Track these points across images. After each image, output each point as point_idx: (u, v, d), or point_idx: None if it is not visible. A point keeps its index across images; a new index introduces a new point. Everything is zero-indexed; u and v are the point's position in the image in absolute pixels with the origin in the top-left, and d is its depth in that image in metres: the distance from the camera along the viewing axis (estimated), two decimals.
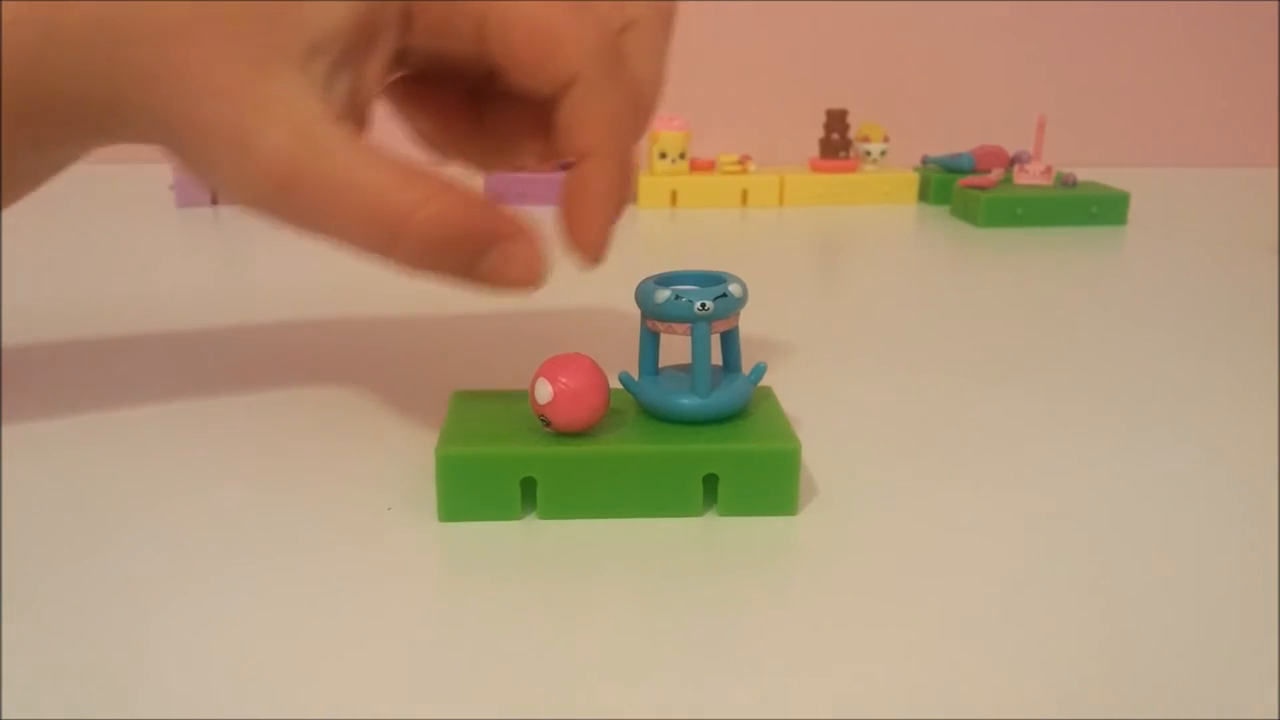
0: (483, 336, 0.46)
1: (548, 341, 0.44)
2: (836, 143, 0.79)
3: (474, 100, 0.34)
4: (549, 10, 0.28)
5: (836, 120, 0.79)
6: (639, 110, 0.31)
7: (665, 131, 0.75)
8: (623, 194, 0.30)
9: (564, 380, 0.28)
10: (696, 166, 0.77)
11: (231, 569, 0.27)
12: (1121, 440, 0.35)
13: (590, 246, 0.29)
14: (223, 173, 0.28)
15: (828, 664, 0.23)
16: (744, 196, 0.77)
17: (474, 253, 0.28)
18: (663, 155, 0.76)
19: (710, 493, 0.29)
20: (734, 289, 0.30)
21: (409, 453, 0.33)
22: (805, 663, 0.23)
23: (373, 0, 0.28)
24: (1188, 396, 0.39)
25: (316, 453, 0.33)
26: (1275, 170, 0.93)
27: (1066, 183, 0.72)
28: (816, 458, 0.33)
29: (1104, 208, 0.70)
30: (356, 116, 0.30)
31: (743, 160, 0.78)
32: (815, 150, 0.80)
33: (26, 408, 0.36)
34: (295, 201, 0.27)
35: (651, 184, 0.76)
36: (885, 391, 0.39)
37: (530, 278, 0.29)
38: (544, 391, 0.28)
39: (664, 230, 0.71)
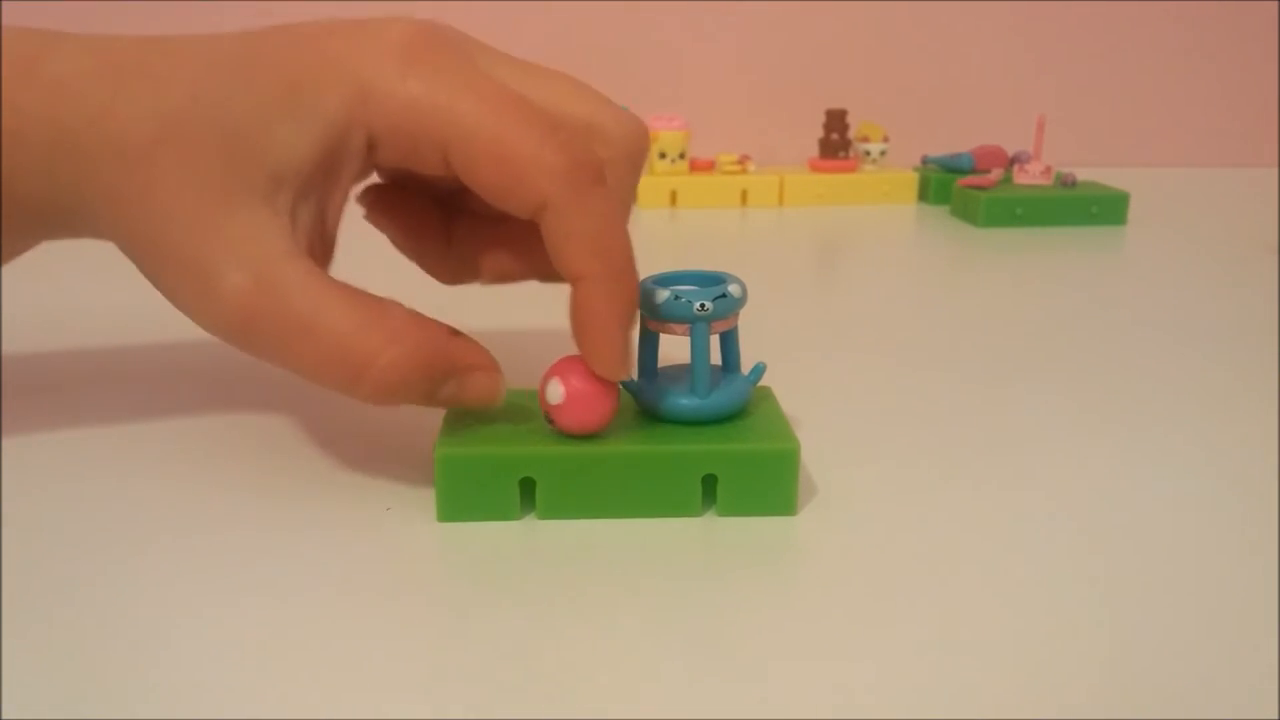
0: (482, 336, 0.45)
1: (547, 341, 0.44)
2: (836, 143, 0.79)
3: (445, 212, 0.34)
4: (513, 135, 0.27)
5: (836, 120, 0.79)
6: (623, 225, 0.29)
7: (665, 131, 0.75)
8: (627, 309, 0.28)
9: (576, 382, 0.28)
10: (696, 166, 0.77)
11: (230, 569, 0.27)
12: (1121, 440, 0.35)
13: (608, 367, 0.28)
14: (183, 301, 0.28)
15: (827, 664, 0.23)
16: (744, 196, 0.77)
17: (433, 386, 0.28)
18: (662, 155, 0.76)
19: (709, 493, 0.29)
20: (733, 289, 0.30)
21: (408, 453, 0.33)
22: (804, 663, 0.23)
23: (335, 134, 0.27)
24: (1188, 396, 0.39)
25: (316, 453, 0.33)
26: (1275, 170, 0.93)
27: (1066, 183, 0.71)
28: (816, 458, 0.33)
29: (1104, 208, 0.70)
30: (323, 242, 0.30)
31: (742, 160, 0.78)
32: (815, 150, 0.80)
33: (26, 413, 0.36)
34: (255, 340, 0.28)
35: (651, 184, 0.76)
36: (885, 392, 0.39)
37: (489, 400, 0.29)
38: (555, 392, 0.28)
39: (664, 230, 0.71)
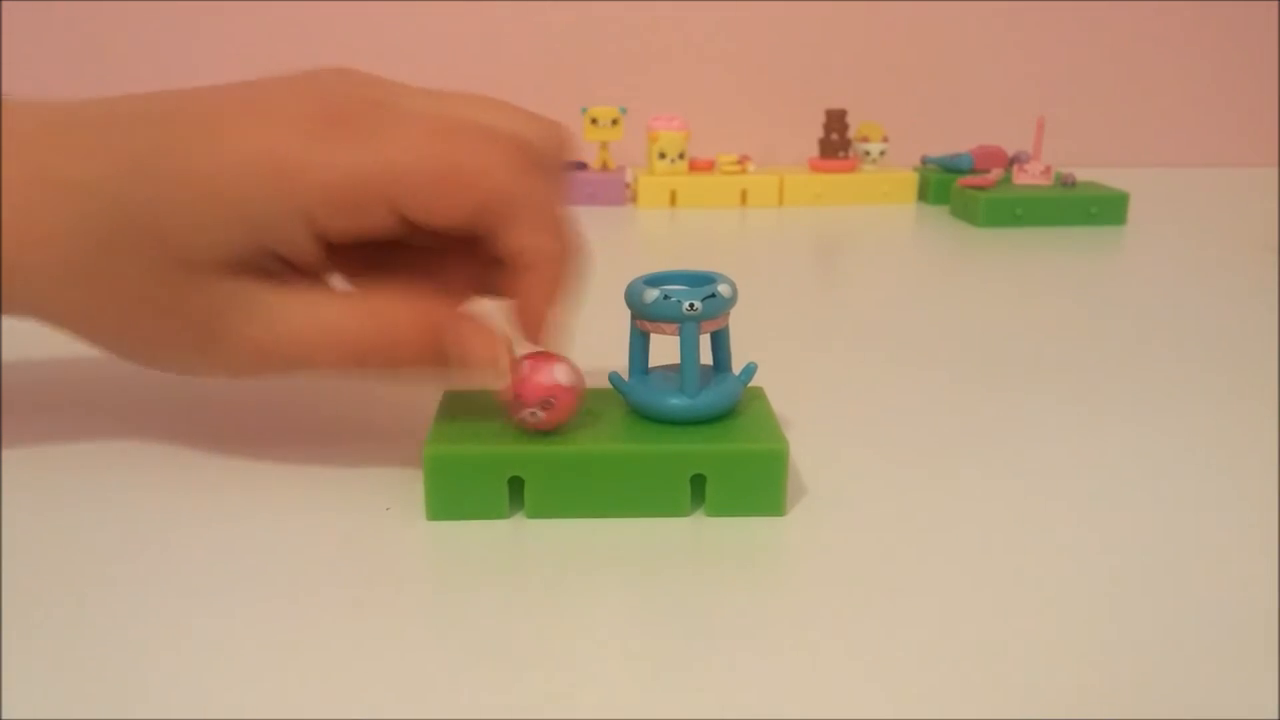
0: None
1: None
2: (836, 143, 0.79)
3: (420, 256, 0.33)
4: (455, 154, 0.28)
5: (836, 120, 0.79)
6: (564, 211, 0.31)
7: (665, 131, 0.75)
8: (563, 287, 0.30)
9: (571, 376, 0.29)
10: (696, 166, 0.77)
11: (221, 569, 0.27)
12: (1119, 440, 0.35)
13: (534, 337, 0.30)
14: (179, 365, 0.30)
15: (815, 664, 0.23)
16: (743, 196, 0.77)
17: (438, 354, 0.29)
18: (662, 155, 0.76)
19: (698, 493, 0.29)
20: (723, 289, 0.30)
21: (399, 452, 0.33)
22: (792, 663, 0.23)
23: (265, 230, 0.28)
24: (1187, 397, 0.39)
25: (306, 452, 0.33)
26: (1275, 170, 0.93)
27: (1066, 183, 0.71)
28: (807, 458, 0.32)
29: (1103, 208, 0.70)
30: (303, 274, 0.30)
31: (742, 160, 0.78)
32: (815, 150, 0.80)
33: (26, 416, 0.36)
34: (270, 370, 0.29)
35: (651, 184, 0.76)
36: (879, 392, 0.39)
37: (491, 353, 0.29)
38: (564, 374, 0.29)
39: (663, 230, 0.71)
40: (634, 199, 0.77)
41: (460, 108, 0.30)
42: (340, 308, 0.29)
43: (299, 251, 0.29)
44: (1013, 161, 0.76)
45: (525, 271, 0.29)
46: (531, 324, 0.29)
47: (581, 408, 0.29)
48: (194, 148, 0.28)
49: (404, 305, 0.29)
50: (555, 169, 0.32)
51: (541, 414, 0.29)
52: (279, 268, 0.29)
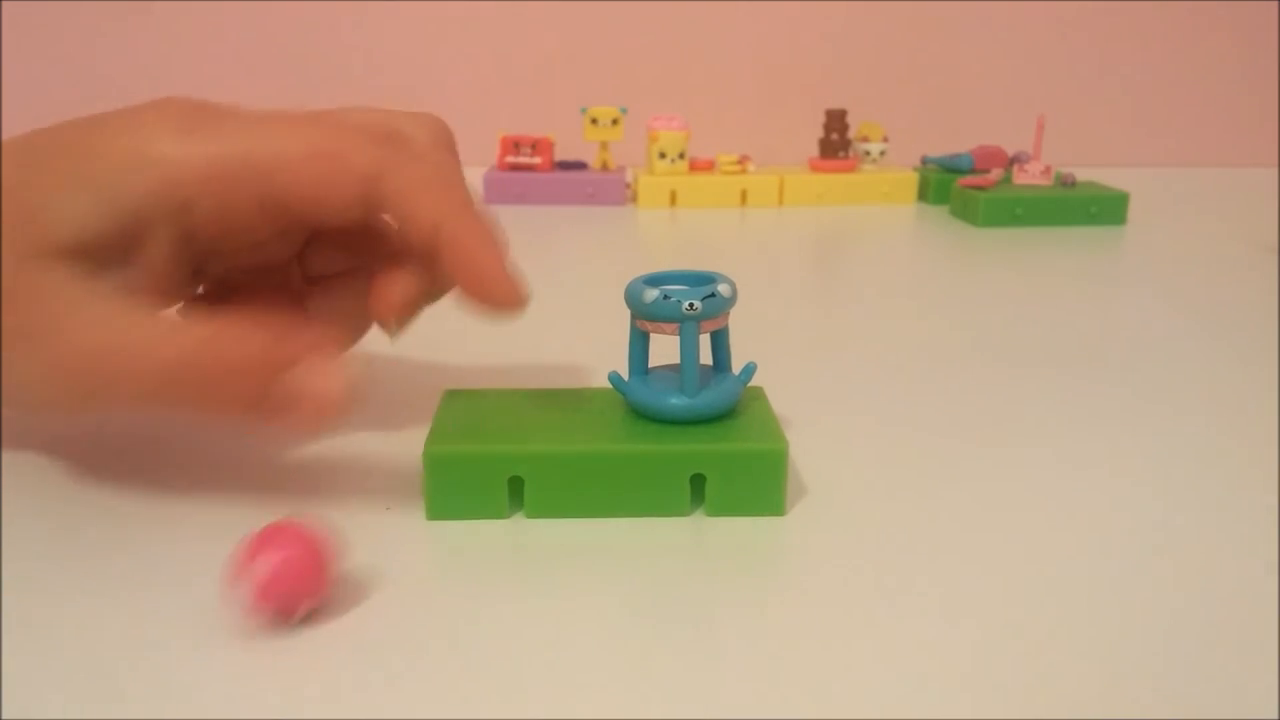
0: (474, 336, 0.46)
1: (539, 341, 0.44)
2: (836, 143, 0.79)
3: (306, 289, 0.34)
4: (321, 138, 0.28)
5: (836, 120, 0.79)
6: (457, 183, 0.30)
7: (665, 131, 0.75)
8: (493, 238, 0.29)
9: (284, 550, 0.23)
10: (696, 166, 0.77)
11: (218, 566, 0.27)
12: (1119, 440, 0.35)
13: (502, 294, 0.28)
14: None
15: (815, 664, 0.23)
16: (743, 196, 0.77)
17: (253, 388, 0.27)
18: (662, 155, 0.76)
19: (698, 492, 0.29)
20: (723, 289, 0.30)
21: (399, 451, 0.33)
22: (792, 663, 0.23)
23: (131, 207, 0.27)
24: (1188, 396, 0.39)
25: (306, 451, 0.33)
26: (1275, 170, 0.93)
27: (1066, 183, 0.71)
28: (807, 458, 0.32)
29: (1103, 208, 0.70)
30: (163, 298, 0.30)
31: (742, 160, 0.78)
32: (815, 150, 0.80)
33: (25, 419, 0.36)
34: (61, 401, 0.27)
35: (651, 184, 0.76)
36: (879, 392, 0.39)
37: (326, 404, 0.27)
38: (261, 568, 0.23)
39: (663, 230, 0.71)
40: (634, 199, 0.77)
41: (326, 114, 0.31)
42: (162, 329, 0.27)
43: (160, 252, 0.28)
44: (1013, 161, 0.76)
45: (449, 245, 0.28)
46: (486, 287, 0.28)
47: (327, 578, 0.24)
48: (74, 148, 0.28)
49: (239, 337, 0.27)
50: (442, 151, 0.32)
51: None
52: (137, 278, 0.28)
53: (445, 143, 0.32)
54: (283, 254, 0.33)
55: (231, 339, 0.27)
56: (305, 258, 0.34)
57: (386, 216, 0.30)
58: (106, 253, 0.27)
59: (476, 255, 0.28)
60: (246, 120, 0.29)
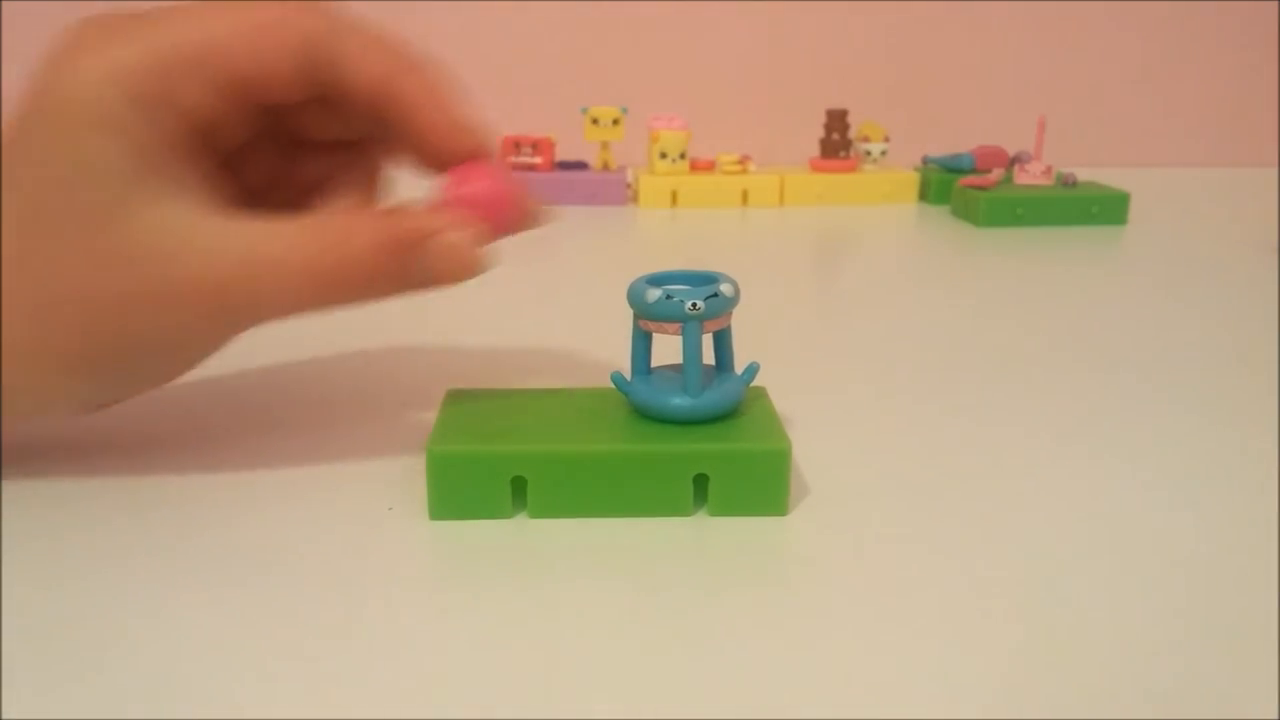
0: (477, 336, 0.46)
1: (542, 341, 0.44)
2: (837, 143, 0.79)
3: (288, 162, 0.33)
4: (246, 12, 0.28)
5: (836, 120, 0.79)
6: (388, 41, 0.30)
7: (665, 131, 0.75)
8: (447, 87, 0.29)
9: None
10: (697, 166, 0.77)
11: (222, 567, 0.27)
12: (1120, 441, 0.35)
13: (456, 139, 0.29)
14: (142, 322, 0.28)
15: (817, 664, 0.23)
16: (744, 196, 0.77)
17: (402, 264, 0.28)
18: (663, 155, 0.76)
19: (700, 493, 0.29)
20: (725, 289, 0.30)
21: (401, 451, 0.33)
22: (795, 663, 0.23)
23: (120, 125, 0.27)
24: (1187, 397, 0.39)
25: (309, 450, 0.33)
26: (1275, 170, 0.93)
27: (1066, 183, 0.71)
28: (809, 458, 0.33)
29: (1104, 208, 0.70)
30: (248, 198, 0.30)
31: (743, 160, 0.78)
32: (815, 150, 0.80)
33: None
34: (231, 306, 0.28)
35: (652, 184, 0.76)
36: (881, 392, 0.39)
37: (463, 261, 0.28)
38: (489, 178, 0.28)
39: (664, 230, 0.71)
40: (635, 199, 0.77)
41: None
42: (288, 226, 0.28)
43: (164, 142, 0.27)
44: (1014, 161, 0.76)
45: (399, 98, 0.28)
46: (440, 137, 0.29)
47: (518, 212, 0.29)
48: (35, 99, 0.27)
49: (359, 222, 0.28)
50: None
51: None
52: (210, 197, 0.28)
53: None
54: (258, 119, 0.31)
55: (366, 224, 0.28)
56: (301, 162, 0.33)
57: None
58: (153, 180, 0.27)
59: (425, 106, 0.29)
60: (172, 11, 0.28)
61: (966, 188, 0.71)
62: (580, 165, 0.78)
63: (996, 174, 0.72)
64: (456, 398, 0.32)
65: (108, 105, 0.26)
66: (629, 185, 0.78)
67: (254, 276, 0.27)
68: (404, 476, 0.31)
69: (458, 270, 0.29)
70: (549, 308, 0.49)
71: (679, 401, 0.30)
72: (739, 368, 0.31)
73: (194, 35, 0.27)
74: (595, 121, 0.76)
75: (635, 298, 0.30)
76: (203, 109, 0.28)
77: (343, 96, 0.29)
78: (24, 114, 0.27)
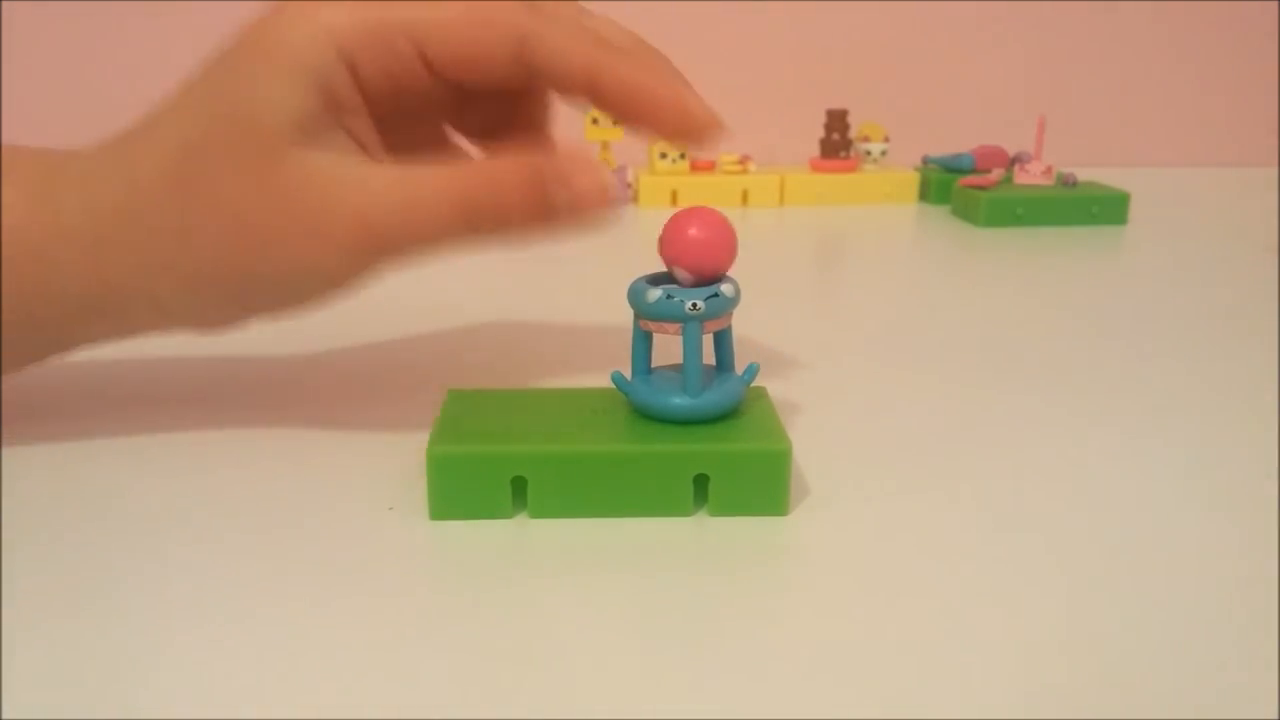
0: (478, 336, 0.46)
1: (542, 341, 0.44)
2: (837, 143, 0.79)
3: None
4: (467, 5, 0.30)
5: (837, 120, 0.79)
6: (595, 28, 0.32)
7: None
8: (668, 64, 0.32)
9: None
10: (697, 166, 0.77)
11: (222, 566, 0.27)
12: (1120, 441, 0.35)
13: (695, 119, 0.31)
14: (292, 263, 0.29)
15: (817, 664, 0.23)
16: (744, 196, 0.77)
17: (545, 199, 0.29)
18: (663, 155, 0.76)
19: (701, 493, 0.29)
20: (726, 289, 0.30)
21: (401, 451, 0.33)
22: (795, 663, 0.23)
23: (324, 76, 0.29)
24: (1187, 397, 0.39)
25: (309, 450, 0.33)
26: (1275, 170, 0.93)
27: (1067, 183, 0.71)
28: (810, 458, 0.33)
29: (1104, 208, 0.70)
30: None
31: (743, 160, 0.78)
32: (815, 150, 0.80)
33: (26, 420, 0.36)
34: (384, 248, 0.29)
35: (652, 184, 0.76)
36: (881, 392, 0.39)
37: (600, 194, 0.30)
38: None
39: None
40: (635, 198, 0.77)
41: None
42: (439, 168, 0.29)
43: (358, 121, 0.30)
44: (1014, 161, 0.76)
45: (611, 90, 0.30)
46: (676, 118, 0.31)
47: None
48: (260, 44, 0.29)
49: (502, 158, 0.30)
50: (579, 13, 0.33)
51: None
52: (358, 146, 0.30)
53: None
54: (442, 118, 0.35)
55: (506, 162, 0.30)
56: (463, 117, 0.35)
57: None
58: (325, 129, 0.29)
59: (638, 91, 0.30)
60: None
61: (966, 188, 0.71)
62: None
63: (996, 174, 0.73)
64: (457, 398, 0.32)
65: (317, 53, 0.29)
66: (629, 185, 0.78)
67: (409, 214, 0.29)
68: (404, 476, 0.31)
69: (592, 199, 0.30)
70: (549, 308, 0.49)
71: (679, 401, 0.30)
72: (739, 368, 0.31)
73: (421, 14, 0.29)
74: (596, 121, 0.75)
75: (635, 297, 0.30)
76: (405, 77, 0.30)
77: (548, 84, 0.31)
78: (227, 50, 0.30)
